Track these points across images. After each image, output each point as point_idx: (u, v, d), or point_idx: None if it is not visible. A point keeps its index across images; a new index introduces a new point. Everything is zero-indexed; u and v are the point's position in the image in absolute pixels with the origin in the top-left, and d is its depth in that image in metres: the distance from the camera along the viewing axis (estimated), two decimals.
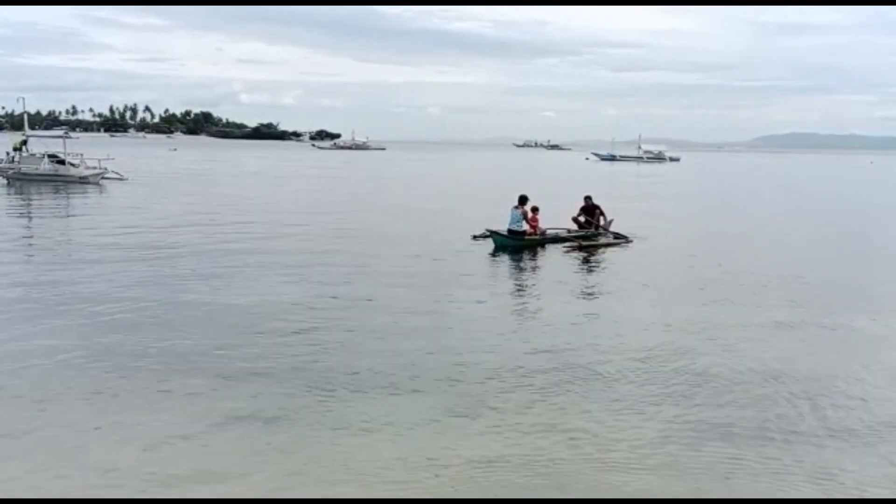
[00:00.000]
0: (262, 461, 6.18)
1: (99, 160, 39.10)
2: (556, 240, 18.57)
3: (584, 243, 18.37)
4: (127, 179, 38.53)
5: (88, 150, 43.06)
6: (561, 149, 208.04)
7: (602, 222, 19.91)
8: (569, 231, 19.47)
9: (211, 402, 7.40)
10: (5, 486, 5.75)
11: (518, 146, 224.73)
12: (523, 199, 18.46)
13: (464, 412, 7.26)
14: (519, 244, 18.01)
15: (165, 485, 5.81)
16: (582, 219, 19.89)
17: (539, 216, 18.63)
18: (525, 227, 18.28)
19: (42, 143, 39.70)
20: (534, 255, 17.42)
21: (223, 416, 7.06)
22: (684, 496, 5.80)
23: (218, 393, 7.67)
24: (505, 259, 16.92)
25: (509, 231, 18.21)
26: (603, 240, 19.14)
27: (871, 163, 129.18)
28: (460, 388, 7.97)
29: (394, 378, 8.19)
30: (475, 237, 18.79)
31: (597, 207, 20.12)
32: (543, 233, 18.56)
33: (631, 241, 19.13)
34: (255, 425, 6.87)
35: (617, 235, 19.54)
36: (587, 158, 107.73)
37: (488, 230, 18.38)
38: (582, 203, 20.31)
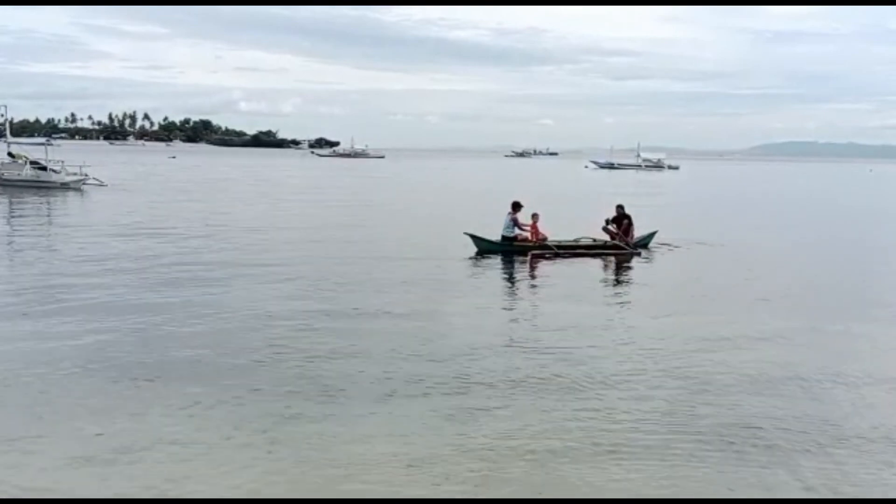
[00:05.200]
0: (262, 466, 6.18)
1: (80, 167, 40.62)
2: (543, 247, 18.07)
3: (560, 251, 17.95)
4: (106, 185, 39.49)
5: (87, 158, 44.56)
6: (528, 155, 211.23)
7: (630, 233, 19.01)
8: (594, 240, 18.95)
9: (210, 409, 7.39)
10: (5, 489, 5.78)
11: (517, 154, 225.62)
12: (516, 206, 18.36)
13: (463, 416, 7.27)
14: (507, 249, 17.93)
15: (165, 488, 5.81)
16: (612, 228, 19.25)
17: (540, 223, 18.42)
18: (517, 232, 18.17)
19: (23, 150, 41.35)
20: (527, 261, 17.26)
21: (223, 422, 7.09)
22: (684, 496, 5.80)
23: (217, 399, 7.64)
24: (498, 265, 16.90)
25: (502, 237, 18.18)
26: (586, 249, 18.52)
27: (871, 171, 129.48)
28: (458, 392, 7.94)
29: (392, 383, 8.20)
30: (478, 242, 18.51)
31: (625, 217, 19.35)
32: (543, 239, 18.30)
33: (638, 253, 18.54)
34: (255, 431, 6.88)
35: (636, 246, 18.77)
36: (586, 166, 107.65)
37: (468, 234, 18.32)
38: (614, 212, 19.60)
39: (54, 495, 5.71)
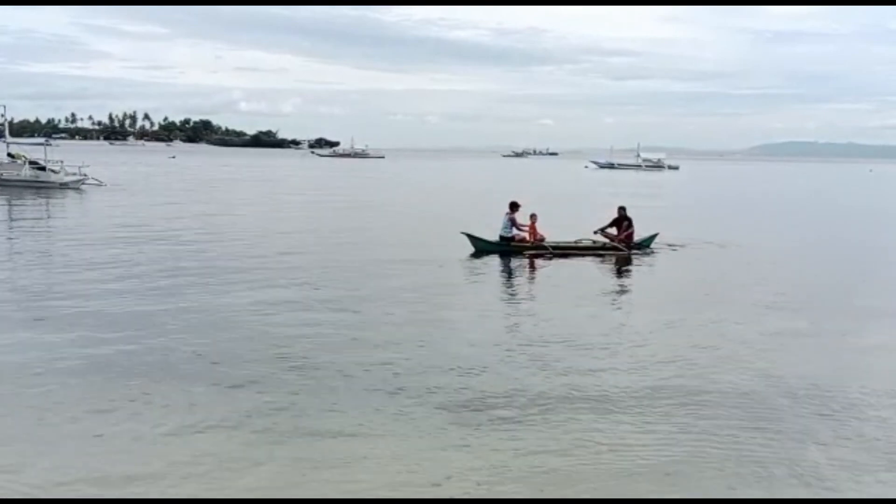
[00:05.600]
0: (263, 467, 6.21)
1: (79, 167, 40.90)
2: (540, 247, 18.08)
3: (556, 252, 17.91)
4: (105, 185, 39.69)
5: (87, 159, 44.91)
6: (526, 155, 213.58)
7: (631, 235, 18.87)
8: (594, 242, 18.91)
9: (211, 411, 7.37)
10: (6, 489, 5.80)
11: (516, 154, 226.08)
12: (513, 206, 18.33)
13: (463, 419, 7.27)
14: (504, 250, 17.93)
15: (166, 489, 5.83)
16: (613, 230, 19.15)
17: (538, 224, 18.40)
18: (514, 232, 18.15)
19: (23, 150, 41.66)
20: (524, 262, 17.27)
21: (224, 423, 7.09)
22: (684, 497, 5.85)
23: (218, 401, 7.64)
24: (495, 266, 16.90)
25: (500, 237, 18.18)
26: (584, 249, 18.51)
27: (871, 171, 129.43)
28: (458, 395, 7.92)
29: (393, 387, 8.18)
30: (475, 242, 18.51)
31: (626, 219, 19.14)
32: (541, 239, 18.27)
33: (637, 253, 18.50)
34: (256, 432, 6.90)
35: (636, 248, 18.67)
36: (586, 166, 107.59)
37: (465, 234, 18.33)
38: (615, 214, 19.46)
39: (54, 495, 5.73)
